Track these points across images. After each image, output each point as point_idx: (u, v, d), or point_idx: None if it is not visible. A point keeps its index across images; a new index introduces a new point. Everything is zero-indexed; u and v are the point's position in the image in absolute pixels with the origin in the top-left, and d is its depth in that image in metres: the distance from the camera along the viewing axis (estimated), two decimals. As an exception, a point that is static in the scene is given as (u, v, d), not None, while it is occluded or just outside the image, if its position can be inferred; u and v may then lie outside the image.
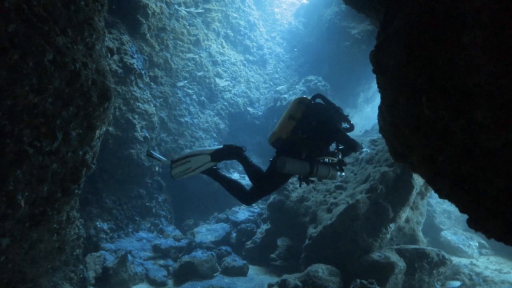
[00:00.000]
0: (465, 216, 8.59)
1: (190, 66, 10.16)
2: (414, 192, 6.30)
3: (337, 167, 4.00)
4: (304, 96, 4.19)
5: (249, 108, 12.15)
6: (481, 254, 8.52)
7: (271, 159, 3.99)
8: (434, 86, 2.23)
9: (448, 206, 9.83)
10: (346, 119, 4.07)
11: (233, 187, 4.09)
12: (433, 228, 8.73)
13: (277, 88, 13.15)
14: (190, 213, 9.40)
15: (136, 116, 7.80)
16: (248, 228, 8.50)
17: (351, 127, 4.11)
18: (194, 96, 10.17)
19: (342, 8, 12.00)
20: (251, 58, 13.14)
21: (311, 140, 3.89)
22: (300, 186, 4.30)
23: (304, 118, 3.92)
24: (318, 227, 6.77)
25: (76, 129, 2.98)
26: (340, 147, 4.07)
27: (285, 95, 12.07)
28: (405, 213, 6.34)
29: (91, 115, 3.13)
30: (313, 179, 3.97)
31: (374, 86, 13.22)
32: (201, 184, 9.76)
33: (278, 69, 14.06)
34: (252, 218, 8.91)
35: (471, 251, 8.29)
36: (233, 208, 9.64)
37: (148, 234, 7.73)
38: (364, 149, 4.15)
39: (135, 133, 7.70)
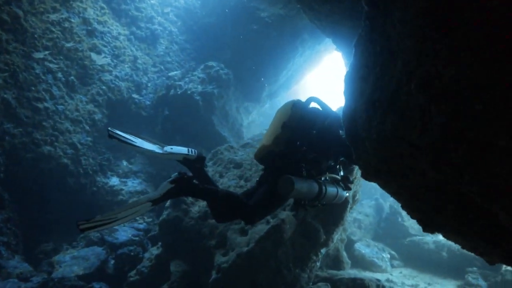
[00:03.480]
0: (374, 225, 7.96)
1: (55, 32, 7.70)
2: (349, 208, 5.39)
3: (342, 186, 3.45)
4: (298, 99, 3.56)
5: (134, 96, 10.09)
6: (393, 266, 8.32)
7: (257, 179, 3.50)
8: None
9: (357, 214, 9.51)
10: None
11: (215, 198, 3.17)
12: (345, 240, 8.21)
13: (170, 74, 11.34)
14: (48, 234, 7.06)
15: (-40, 96, 5.27)
16: (132, 253, 6.67)
17: None
18: (59, 74, 7.74)
19: (252, -15, 10.82)
20: (138, 34, 10.99)
21: (311, 153, 3.29)
22: (296, 213, 3.87)
23: (302, 126, 3.30)
24: (230, 255, 5.38)
25: None
26: (341, 159, 3.51)
27: (181, 83, 10.37)
28: (338, 234, 5.40)
29: None
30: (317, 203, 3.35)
31: (281, 79, 12.41)
32: (67, 191, 7.48)
33: (171, 52, 12.19)
34: (136, 238, 7.06)
35: (385, 265, 7.99)
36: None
37: (-26, 274, 5.31)
38: None
39: (-43, 122, 5.19)
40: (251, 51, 10.98)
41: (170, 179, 2.95)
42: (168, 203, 6.98)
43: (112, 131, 3.06)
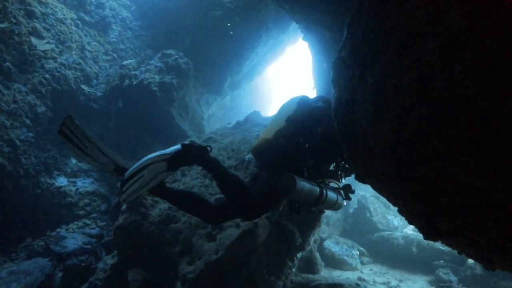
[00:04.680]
0: (341, 221, 7.80)
1: (-16, 11, 6.65)
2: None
3: (343, 194, 3.22)
4: (305, 94, 3.40)
5: (83, 86, 9.15)
6: (362, 263, 8.12)
7: (255, 170, 3.46)
8: None
9: (326, 211, 9.23)
10: None
11: (194, 204, 3.04)
12: (319, 240, 7.89)
13: (124, 63, 10.45)
14: (-19, 245, 6.13)
15: None
16: (83, 264, 5.93)
17: None
18: (-8, 60, 6.72)
19: (213, -32, 10.13)
20: (87, 18, 10.00)
21: (313, 153, 3.06)
22: (291, 215, 3.48)
23: (307, 122, 3.09)
24: (197, 264, 4.85)
25: None
26: (342, 165, 3.29)
27: (136, 72, 9.55)
28: (315, 237, 5.01)
29: None
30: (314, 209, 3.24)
31: (245, 69, 11.87)
32: (4, 195, 6.56)
33: (125, 39, 11.26)
34: (88, 246, 6.30)
35: (355, 262, 7.76)
36: (59, 230, 6.81)
37: None
38: None
39: None
40: (212, 39, 10.34)
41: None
42: (124, 206, 6.30)
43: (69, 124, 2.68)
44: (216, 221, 3.32)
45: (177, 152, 2.84)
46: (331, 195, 3.01)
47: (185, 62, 9.75)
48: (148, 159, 2.82)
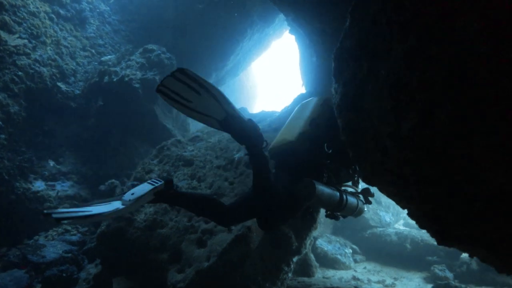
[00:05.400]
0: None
1: None
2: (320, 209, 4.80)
3: (362, 199, 3.16)
4: (328, 96, 3.17)
5: (60, 84, 8.68)
6: (355, 261, 7.95)
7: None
8: None
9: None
10: None
11: (206, 206, 2.93)
12: (313, 241, 7.68)
13: (103, 59, 9.99)
14: (-49, 257, 5.70)
15: None
16: (64, 274, 5.56)
17: None
18: (-43, 57, 6.25)
19: (195, -41, 9.73)
20: (62, 12, 9.48)
21: (336, 159, 2.93)
22: (303, 220, 3.49)
23: (332, 127, 2.84)
24: (187, 272, 4.56)
25: None
26: (358, 169, 3.13)
27: (116, 68, 9.13)
28: (311, 239, 4.79)
29: None
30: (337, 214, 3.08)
31: (229, 64, 11.53)
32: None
33: (103, 34, 10.77)
34: (69, 255, 5.93)
35: (348, 261, 7.59)
36: (36, 238, 6.42)
37: None
38: None
39: None
40: (197, 33, 9.95)
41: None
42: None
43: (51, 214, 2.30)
44: (232, 223, 3.22)
45: (241, 118, 2.66)
46: (352, 200, 2.94)
47: (167, 58, 9.37)
48: (215, 88, 2.69)
